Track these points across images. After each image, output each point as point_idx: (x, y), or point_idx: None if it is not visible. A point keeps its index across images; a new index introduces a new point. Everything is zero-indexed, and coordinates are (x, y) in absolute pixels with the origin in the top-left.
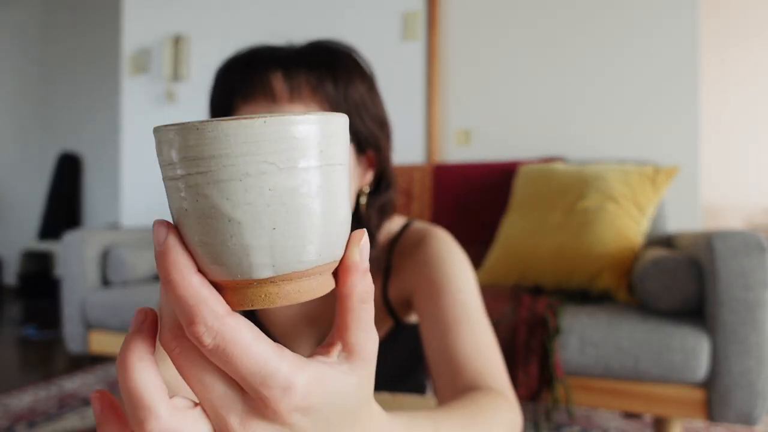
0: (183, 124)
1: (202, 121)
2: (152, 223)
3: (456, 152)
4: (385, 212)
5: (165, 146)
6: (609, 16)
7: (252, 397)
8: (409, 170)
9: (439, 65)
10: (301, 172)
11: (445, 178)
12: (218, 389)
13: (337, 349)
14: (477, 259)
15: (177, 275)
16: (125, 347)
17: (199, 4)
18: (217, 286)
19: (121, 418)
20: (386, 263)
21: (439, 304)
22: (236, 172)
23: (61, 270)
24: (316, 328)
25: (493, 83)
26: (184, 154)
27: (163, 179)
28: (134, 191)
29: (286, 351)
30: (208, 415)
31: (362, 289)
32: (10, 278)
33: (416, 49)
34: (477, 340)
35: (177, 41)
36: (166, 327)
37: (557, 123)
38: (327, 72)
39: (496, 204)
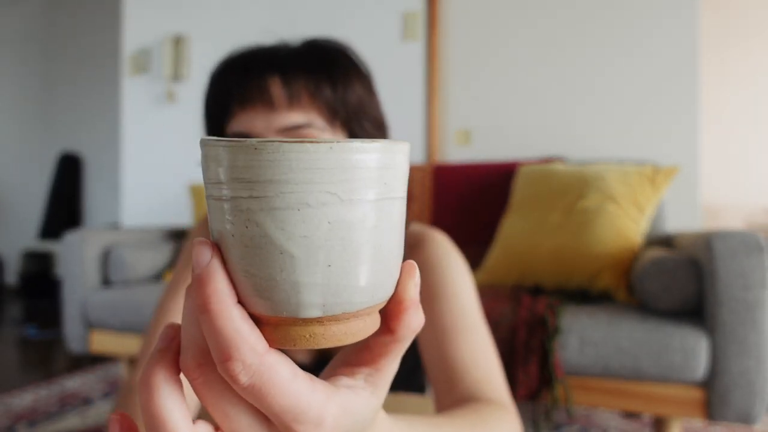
0: (238, 141)
1: (260, 141)
2: (193, 241)
3: (456, 152)
4: None
5: (213, 163)
6: (609, 16)
7: (280, 429)
8: (409, 170)
9: (439, 65)
10: (362, 205)
11: (445, 179)
12: (243, 421)
13: (364, 372)
14: (477, 259)
15: (217, 306)
16: (150, 366)
17: (199, 5)
18: (256, 319)
19: None
20: None
21: (436, 310)
22: (294, 200)
23: (61, 270)
24: None
25: (493, 83)
26: (236, 175)
27: (207, 197)
28: (134, 191)
29: (317, 382)
30: None
31: (417, 323)
32: (11, 278)
33: (416, 49)
34: (474, 347)
35: (177, 41)
36: (189, 353)
37: (557, 123)
38: (325, 76)
39: (496, 204)
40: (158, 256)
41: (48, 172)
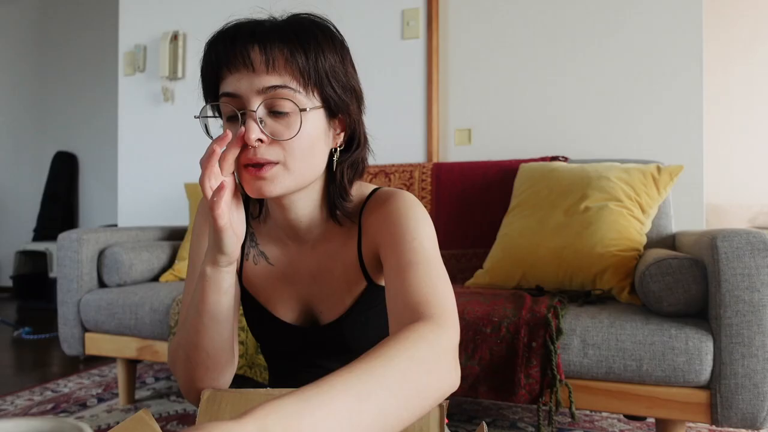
0: None
1: None
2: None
3: (456, 151)
4: (356, 169)
5: None
6: (612, 14)
7: None
8: (409, 169)
9: (440, 64)
10: None
11: (446, 178)
12: None
13: None
14: (478, 259)
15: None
16: None
17: (195, 3)
18: None
19: None
20: (358, 224)
21: (396, 251)
22: None
23: (56, 271)
24: (292, 286)
25: (494, 82)
26: None
27: None
28: (131, 191)
29: None
30: None
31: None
32: (5, 279)
33: (416, 47)
34: (425, 276)
35: (173, 40)
36: None
37: (559, 122)
38: (298, 45)
39: (497, 204)
40: (154, 256)
41: (43, 172)
